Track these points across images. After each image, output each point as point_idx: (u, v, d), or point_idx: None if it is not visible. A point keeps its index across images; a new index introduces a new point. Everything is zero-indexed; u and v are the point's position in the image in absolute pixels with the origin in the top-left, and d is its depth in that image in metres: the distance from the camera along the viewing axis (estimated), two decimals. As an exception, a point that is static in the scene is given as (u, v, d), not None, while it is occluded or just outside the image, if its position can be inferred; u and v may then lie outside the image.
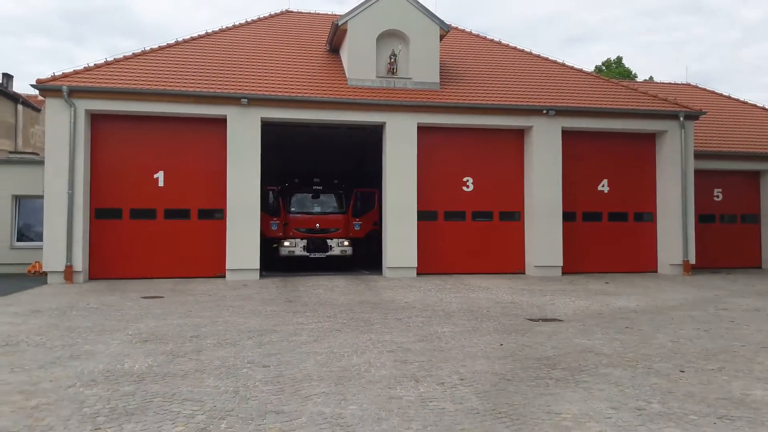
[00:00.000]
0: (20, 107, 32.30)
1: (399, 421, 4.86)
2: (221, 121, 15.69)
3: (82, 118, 14.91)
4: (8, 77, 33.40)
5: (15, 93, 32.27)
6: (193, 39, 18.52)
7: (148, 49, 17.37)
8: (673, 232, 17.71)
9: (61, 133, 14.76)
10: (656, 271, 18.23)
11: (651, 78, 42.55)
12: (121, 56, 16.77)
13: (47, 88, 14.77)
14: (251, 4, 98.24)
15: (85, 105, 14.98)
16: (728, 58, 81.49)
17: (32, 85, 14.84)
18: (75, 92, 14.82)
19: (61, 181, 14.65)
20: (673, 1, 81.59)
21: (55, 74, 15.22)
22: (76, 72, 15.54)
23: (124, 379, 5.96)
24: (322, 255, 18.34)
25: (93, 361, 6.73)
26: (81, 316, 9.84)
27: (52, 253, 14.51)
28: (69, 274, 14.51)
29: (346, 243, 18.55)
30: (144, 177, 15.71)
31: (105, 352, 7.16)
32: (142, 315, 9.93)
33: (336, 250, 18.43)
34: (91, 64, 16.09)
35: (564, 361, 7.01)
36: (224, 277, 15.48)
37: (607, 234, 18.15)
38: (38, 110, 34.87)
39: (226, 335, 8.29)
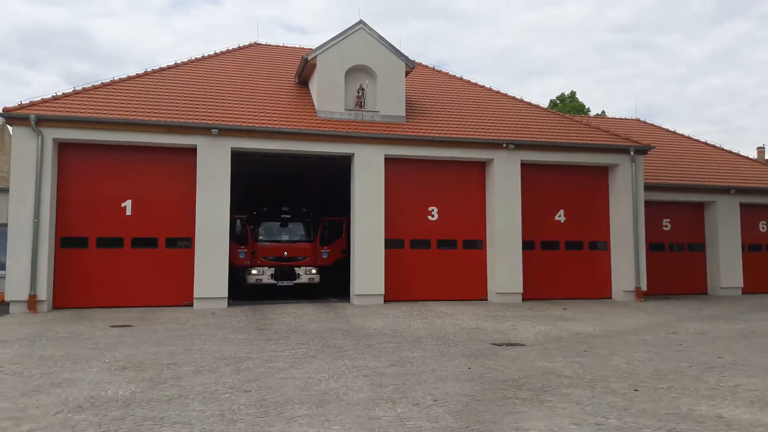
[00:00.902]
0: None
1: (381, 438, 5.21)
2: (191, 151, 15.90)
3: (49, 147, 14.91)
4: (-39, 101, 32.71)
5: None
6: (162, 69, 18.75)
7: (116, 78, 17.52)
8: (626, 260, 18.66)
9: (28, 161, 14.70)
10: (610, 298, 19.09)
11: (603, 112, 44.63)
12: (90, 85, 16.89)
13: (14, 116, 14.74)
14: (212, 31, 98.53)
15: (52, 134, 14.99)
16: (675, 93, 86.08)
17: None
18: (43, 121, 14.83)
19: (26, 209, 14.54)
20: (624, 38, 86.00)
21: (22, 102, 15.23)
22: (44, 101, 15.56)
23: (110, 405, 6.12)
24: (290, 283, 18.51)
25: (75, 388, 6.85)
26: (52, 345, 9.83)
27: (15, 282, 14.31)
28: (32, 303, 14.29)
29: (313, 271, 18.79)
30: (111, 205, 15.71)
31: (85, 380, 7.27)
32: (115, 344, 9.98)
33: (304, 278, 18.64)
34: (59, 93, 16.16)
35: (528, 383, 7.47)
36: (192, 305, 15.50)
37: (564, 262, 18.96)
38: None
39: (203, 362, 8.46)
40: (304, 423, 5.62)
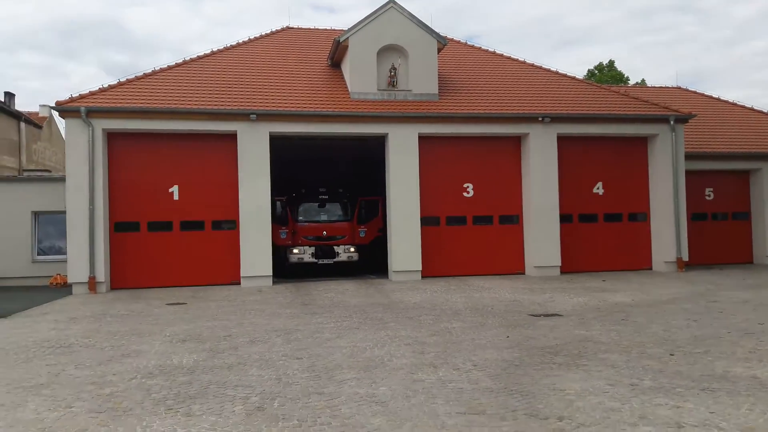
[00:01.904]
0: (23, 125, 33.05)
1: (425, 397, 5.62)
2: (232, 136, 16.47)
3: (99, 137, 15.68)
4: (10, 96, 34.24)
5: (17, 111, 33.06)
6: (199, 58, 19.33)
7: (158, 68, 18.19)
8: (667, 231, 18.51)
9: (80, 151, 15.52)
10: (651, 269, 19.00)
11: (643, 81, 43.58)
12: (133, 76, 17.61)
13: (66, 109, 15.54)
14: (242, 16, 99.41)
15: (102, 124, 15.74)
16: (721, 56, 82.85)
17: (52, 107, 15.67)
18: (92, 113, 15.58)
19: (82, 197, 15.39)
20: (664, 1, 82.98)
21: (73, 95, 16.01)
22: (92, 93, 16.33)
23: (177, 372, 6.71)
24: (330, 261, 19.09)
25: (144, 358, 7.49)
26: (116, 321, 10.59)
27: (76, 266, 15.26)
28: (92, 284, 15.24)
29: (352, 249, 19.30)
30: (160, 191, 16.47)
31: (151, 351, 7.91)
32: (173, 319, 10.68)
33: (343, 256, 19.18)
34: (106, 85, 16.91)
35: (565, 349, 7.76)
36: (239, 284, 16.21)
37: (603, 234, 18.93)
38: (39, 127, 35.65)
39: (255, 334, 9.04)
40: (354, 385, 6.08)
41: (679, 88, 27.15)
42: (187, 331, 9.45)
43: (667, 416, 5.07)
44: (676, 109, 19.56)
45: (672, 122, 18.56)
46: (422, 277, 17.18)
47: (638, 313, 10.74)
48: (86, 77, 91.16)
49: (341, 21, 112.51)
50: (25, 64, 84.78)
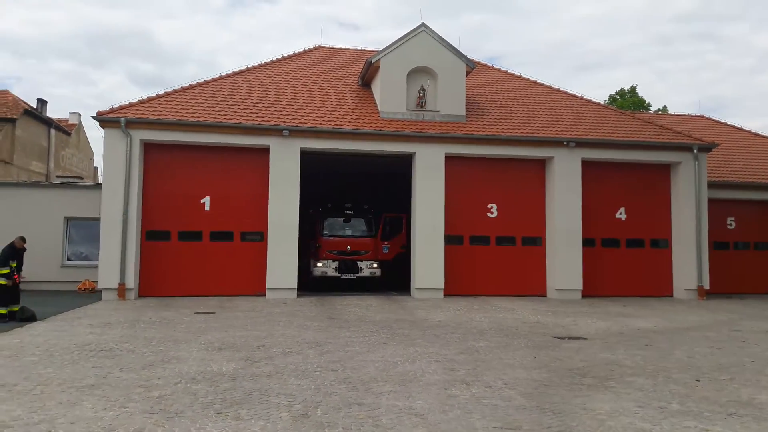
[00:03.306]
0: (53, 131, 33.92)
1: (461, 412, 5.85)
2: (264, 151, 16.91)
3: (137, 147, 16.20)
4: (42, 102, 35.19)
5: (48, 118, 33.97)
6: (234, 74, 19.89)
7: (195, 83, 18.75)
8: (688, 259, 18.54)
9: (118, 160, 16.03)
10: (672, 296, 18.99)
11: (665, 108, 43.61)
12: (171, 89, 18.19)
13: (107, 119, 16.11)
14: (270, 30, 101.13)
15: (139, 135, 16.28)
16: (743, 84, 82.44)
17: (93, 117, 16.22)
18: (131, 123, 16.13)
19: (117, 204, 15.87)
20: (686, 28, 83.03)
21: (113, 107, 16.59)
22: (131, 105, 16.90)
23: (219, 378, 7.00)
24: (353, 276, 19.34)
25: (184, 364, 7.79)
26: (150, 328, 10.93)
27: (106, 272, 15.65)
28: (122, 291, 15.63)
29: (375, 265, 19.56)
30: (192, 201, 16.92)
31: (190, 358, 8.22)
32: (204, 328, 10.99)
33: (366, 272, 19.43)
34: (145, 97, 17.48)
35: (593, 371, 7.93)
36: (264, 295, 16.52)
37: (624, 260, 19.00)
38: (68, 134, 36.55)
39: (288, 345, 9.31)
40: (391, 397, 6.32)
41: (702, 116, 27.26)
42: (221, 339, 9.75)
43: (697, 440, 5.24)
44: (699, 138, 19.69)
45: (695, 151, 18.69)
46: (444, 295, 17.36)
47: (661, 339, 10.85)
48: (113, 85, 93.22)
49: (365, 38, 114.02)
50: (54, 71, 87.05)
